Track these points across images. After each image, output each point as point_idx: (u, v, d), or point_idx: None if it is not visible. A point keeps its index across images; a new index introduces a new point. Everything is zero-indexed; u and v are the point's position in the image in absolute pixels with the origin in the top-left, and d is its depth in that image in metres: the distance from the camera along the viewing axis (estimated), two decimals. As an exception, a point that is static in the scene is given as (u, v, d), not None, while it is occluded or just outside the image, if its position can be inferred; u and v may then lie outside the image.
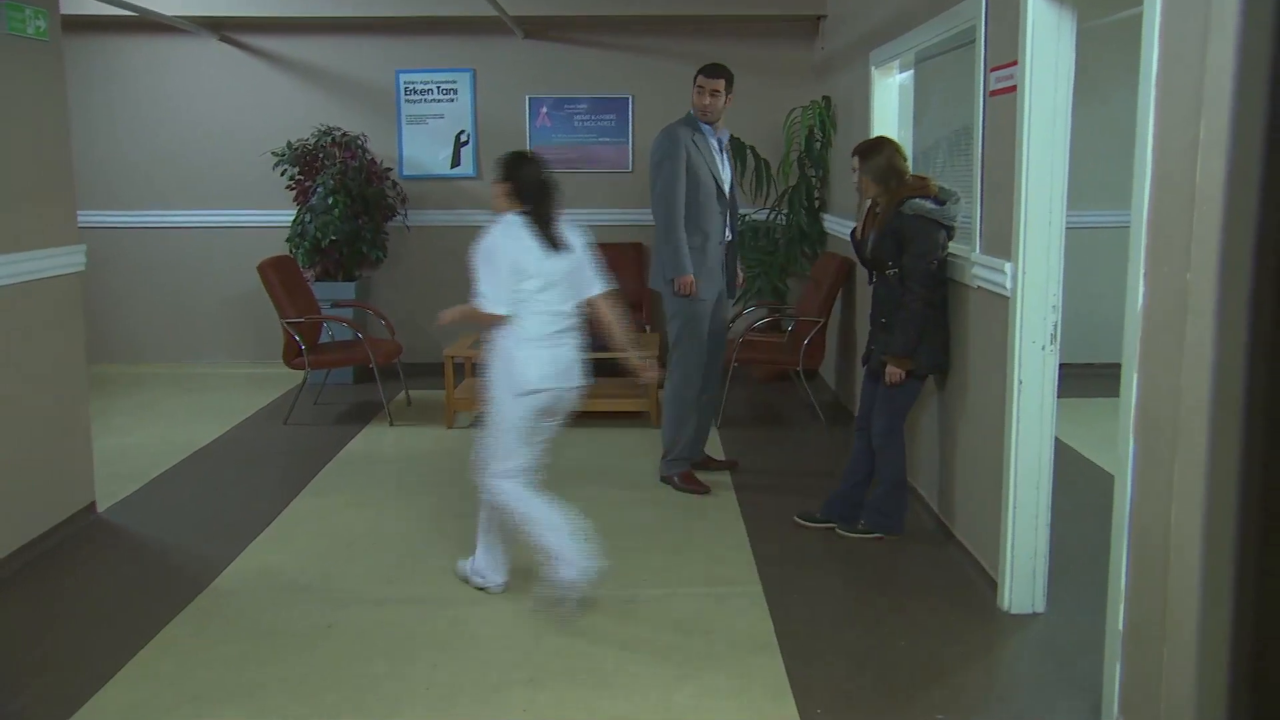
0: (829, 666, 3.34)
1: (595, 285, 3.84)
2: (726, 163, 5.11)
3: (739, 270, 5.32)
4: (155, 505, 4.97)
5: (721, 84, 4.99)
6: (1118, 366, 2.78)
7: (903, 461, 4.40)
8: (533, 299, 3.63)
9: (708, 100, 4.98)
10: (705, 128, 5.04)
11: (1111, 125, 6.67)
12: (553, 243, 3.67)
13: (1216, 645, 2.36)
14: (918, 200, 4.15)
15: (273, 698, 3.16)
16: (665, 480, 5.16)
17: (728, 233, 5.10)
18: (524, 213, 3.69)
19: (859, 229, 4.51)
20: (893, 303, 4.25)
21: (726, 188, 5.06)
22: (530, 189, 3.72)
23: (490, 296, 3.56)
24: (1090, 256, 6.32)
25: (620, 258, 7.73)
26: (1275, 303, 2.10)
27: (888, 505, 4.40)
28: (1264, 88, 2.09)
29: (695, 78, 5.02)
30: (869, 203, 4.47)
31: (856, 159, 4.36)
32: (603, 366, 7.09)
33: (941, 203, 4.17)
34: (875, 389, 4.39)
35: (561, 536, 3.64)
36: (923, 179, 4.27)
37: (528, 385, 3.62)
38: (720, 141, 5.09)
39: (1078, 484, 4.89)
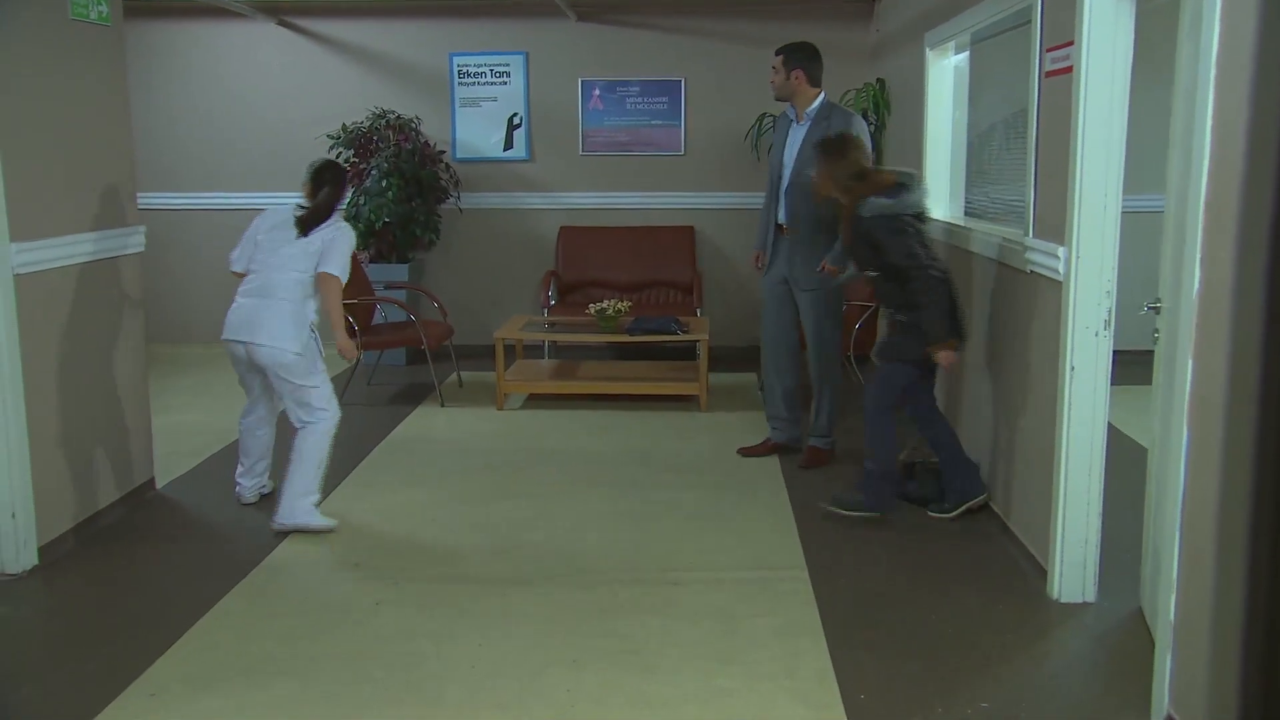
0: (874, 652, 3.33)
1: (322, 267, 4.40)
2: (796, 146, 4.99)
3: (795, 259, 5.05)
4: (212, 482, 5.07)
5: (778, 61, 4.99)
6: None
7: (894, 445, 4.39)
8: (252, 261, 4.45)
9: (770, 79, 5.03)
10: (790, 111, 5.07)
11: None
12: (300, 229, 4.41)
13: (1269, 639, 2.31)
14: (871, 200, 4.07)
15: (322, 671, 3.22)
16: None
17: (780, 216, 5.06)
18: (299, 203, 4.49)
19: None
20: (899, 299, 4.20)
21: (785, 171, 4.99)
22: (315, 187, 4.50)
23: (232, 257, 4.56)
24: (1153, 241, 6.18)
25: (672, 240, 7.74)
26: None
27: (871, 485, 4.38)
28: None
29: None
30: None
31: (819, 154, 4.31)
32: (651, 350, 7.12)
33: (897, 192, 4.08)
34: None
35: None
36: (879, 172, 4.22)
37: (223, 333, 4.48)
38: (802, 124, 5.00)
39: (1133, 472, 4.79)
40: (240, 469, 4.75)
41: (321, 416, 4.47)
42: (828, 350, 5.18)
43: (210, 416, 6.23)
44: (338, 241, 4.44)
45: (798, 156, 4.97)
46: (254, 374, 4.54)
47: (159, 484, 4.94)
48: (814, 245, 4.98)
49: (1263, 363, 2.25)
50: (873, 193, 4.11)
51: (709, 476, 5.07)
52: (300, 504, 4.35)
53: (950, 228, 5.27)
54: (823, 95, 5.03)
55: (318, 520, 4.36)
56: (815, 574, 3.92)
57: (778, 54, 5.01)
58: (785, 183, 5.01)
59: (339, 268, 4.40)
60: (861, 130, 4.91)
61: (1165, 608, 2.80)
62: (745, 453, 5.35)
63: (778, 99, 5.08)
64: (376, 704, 3.04)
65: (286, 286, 4.37)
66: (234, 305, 4.45)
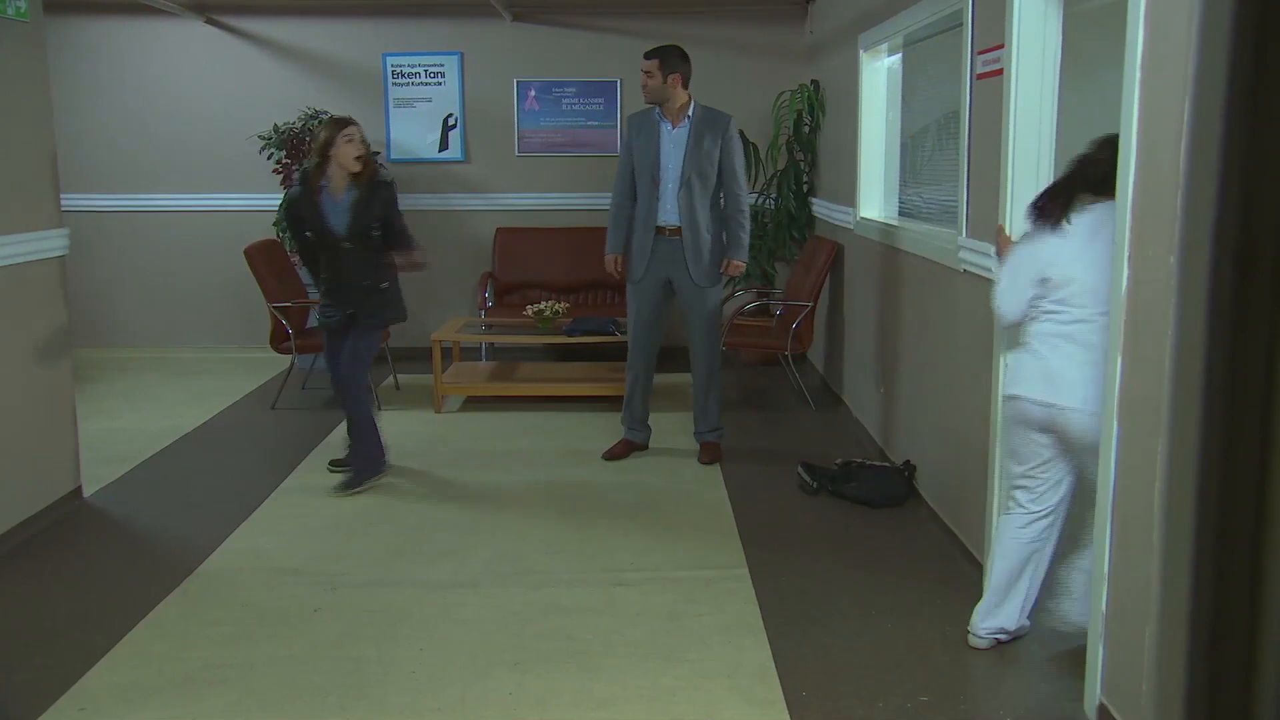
0: (815, 648, 3.36)
1: None
2: (680, 149, 4.98)
3: (693, 257, 5.05)
4: (142, 489, 4.96)
5: (654, 64, 4.97)
6: (1102, 349, 2.80)
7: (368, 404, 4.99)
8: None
9: (643, 82, 5.02)
10: (656, 113, 5.06)
11: (1104, 108, 6.68)
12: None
13: (1199, 626, 2.37)
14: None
15: (260, 679, 3.16)
16: None
17: (665, 218, 5.05)
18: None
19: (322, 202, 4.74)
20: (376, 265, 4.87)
21: (665, 174, 5.00)
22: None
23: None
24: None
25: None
26: (1252, 285, 2.10)
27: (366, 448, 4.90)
28: (1243, 67, 2.10)
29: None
30: (337, 177, 4.73)
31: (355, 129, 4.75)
32: (588, 351, 7.12)
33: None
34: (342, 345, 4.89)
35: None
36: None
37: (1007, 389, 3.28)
38: (680, 127, 5.01)
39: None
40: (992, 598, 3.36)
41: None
42: (716, 346, 5.33)
43: (141, 421, 6.09)
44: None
45: (686, 159, 4.97)
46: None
47: (87, 492, 4.81)
48: (706, 244, 5.05)
49: (1206, 359, 2.28)
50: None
51: (648, 476, 5.08)
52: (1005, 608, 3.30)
53: (885, 227, 5.35)
54: (693, 98, 5.08)
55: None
56: (756, 572, 3.95)
57: (651, 57, 5.00)
58: (672, 184, 5.02)
59: None
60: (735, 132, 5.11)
61: (1097, 599, 2.87)
62: (610, 456, 5.34)
63: (651, 102, 5.05)
64: (318, 711, 3.00)
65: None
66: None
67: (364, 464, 4.89)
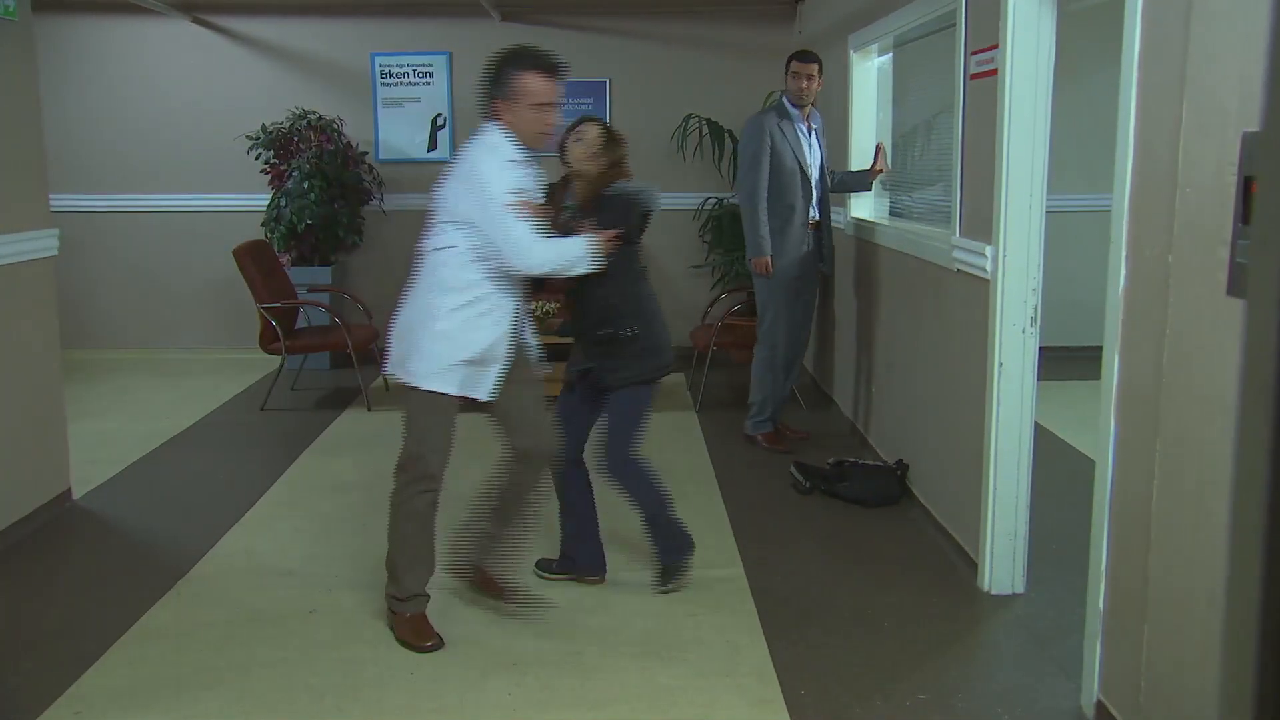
0: (813, 647, 3.36)
1: None
2: (816, 147, 5.35)
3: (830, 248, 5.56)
4: (133, 491, 4.93)
5: (815, 68, 5.28)
6: (1097, 349, 2.81)
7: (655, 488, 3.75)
8: None
9: (804, 84, 5.27)
10: (794, 113, 5.28)
11: (1092, 109, 6.71)
12: None
13: (1198, 624, 2.39)
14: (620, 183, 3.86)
15: (256, 681, 3.15)
16: (749, 439, 5.58)
17: (814, 213, 5.36)
18: None
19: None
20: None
21: (813, 172, 5.30)
22: None
23: None
24: (1069, 240, 6.35)
25: (598, 242, 7.73)
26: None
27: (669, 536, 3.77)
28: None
29: (789, 63, 5.32)
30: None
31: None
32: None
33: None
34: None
35: None
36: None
37: None
38: (811, 127, 5.33)
39: (1056, 467, 4.93)
40: None
41: None
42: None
43: (130, 423, 6.05)
44: None
45: (823, 154, 5.42)
46: None
47: (77, 494, 4.78)
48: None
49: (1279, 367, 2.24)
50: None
51: (642, 477, 5.07)
52: None
53: (876, 227, 5.36)
54: None
55: None
56: (751, 571, 3.95)
57: (813, 60, 5.28)
58: (815, 181, 5.34)
59: None
60: None
61: (1094, 596, 2.88)
62: (797, 432, 5.69)
63: (805, 104, 5.31)
64: (314, 712, 2.98)
65: None
66: None
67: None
